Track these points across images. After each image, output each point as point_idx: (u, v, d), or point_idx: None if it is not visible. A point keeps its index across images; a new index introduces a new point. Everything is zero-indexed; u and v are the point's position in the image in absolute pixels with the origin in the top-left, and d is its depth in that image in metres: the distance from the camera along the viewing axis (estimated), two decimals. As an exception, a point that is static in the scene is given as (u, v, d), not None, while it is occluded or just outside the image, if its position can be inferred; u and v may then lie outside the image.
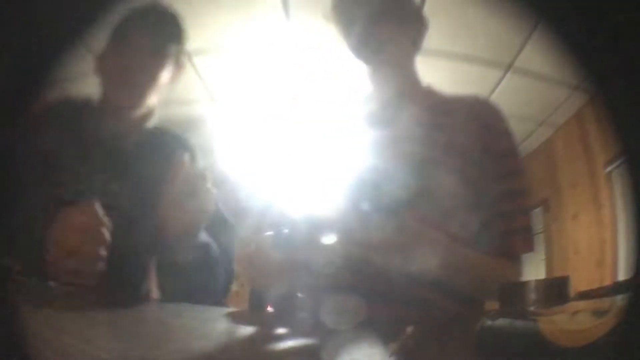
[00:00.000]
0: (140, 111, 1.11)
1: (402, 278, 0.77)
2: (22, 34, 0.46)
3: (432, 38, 2.70)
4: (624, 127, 0.39)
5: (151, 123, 1.12)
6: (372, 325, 0.73)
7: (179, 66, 1.15)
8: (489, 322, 0.36)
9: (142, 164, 1.10)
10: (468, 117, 0.95)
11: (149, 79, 1.09)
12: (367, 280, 0.80)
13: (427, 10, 2.58)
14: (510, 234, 0.91)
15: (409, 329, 0.45)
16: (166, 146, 1.10)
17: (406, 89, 0.99)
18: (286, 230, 0.74)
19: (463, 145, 0.92)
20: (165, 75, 1.12)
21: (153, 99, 1.11)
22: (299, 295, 0.78)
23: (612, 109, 0.40)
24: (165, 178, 1.06)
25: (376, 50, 0.96)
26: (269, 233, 0.76)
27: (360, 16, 0.94)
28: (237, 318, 0.85)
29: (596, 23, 0.39)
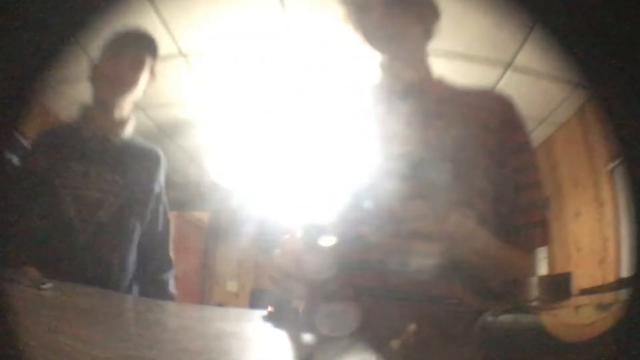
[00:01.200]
0: (123, 110, 1.34)
1: (423, 277, 0.77)
2: (17, 36, 0.45)
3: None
4: (622, 127, 0.39)
5: (130, 126, 1.38)
6: (392, 326, 0.73)
7: (153, 75, 1.38)
8: (492, 318, 0.36)
9: (129, 161, 1.36)
10: (484, 110, 0.94)
11: (130, 80, 1.34)
12: (389, 280, 0.80)
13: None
14: (527, 227, 0.90)
15: (412, 326, 0.45)
16: (144, 156, 1.38)
17: (420, 80, 0.97)
18: (316, 232, 0.74)
19: (479, 137, 0.91)
20: (142, 79, 1.37)
21: (132, 99, 1.37)
22: (323, 297, 0.78)
23: (610, 108, 0.40)
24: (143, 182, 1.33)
25: (393, 39, 0.94)
26: (300, 235, 0.75)
27: (377, 2, 0.92)
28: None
29: (592, 23, 0.39)
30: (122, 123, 1.39)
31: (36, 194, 1.33)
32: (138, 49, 1.39)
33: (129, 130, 1.47)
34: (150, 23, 2.88)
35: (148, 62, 1.40)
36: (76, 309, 0.74)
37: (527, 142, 0.96)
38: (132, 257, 1.47)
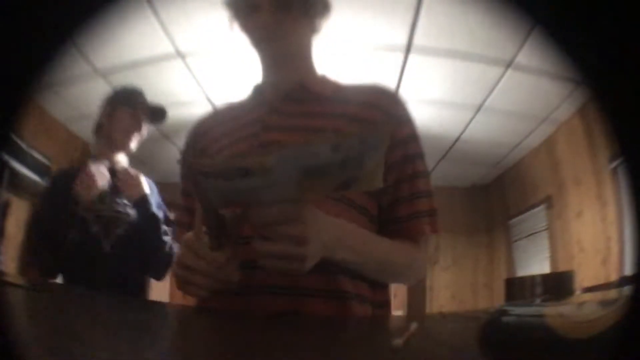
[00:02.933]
0: (129, 148, 1.96)
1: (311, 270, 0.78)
2: (13, 37, 0.46)
3: (433, 36, 2.75)
4: (622, 128, 0.39)
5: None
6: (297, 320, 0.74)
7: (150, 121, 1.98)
8: (495, 316, 0.36)
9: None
10: (369, 106, 0.95)
11: (135, 130, 1.93)
12: (277, 276, 0.81)
13: (425, 6, 2.62)
14: (414, 217, 0.92)
15: (413, 326, 0.45)
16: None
17: (303, 79, 0.98)
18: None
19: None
20: (144, 129, 1.97)
21: (136, 141, 1.96)
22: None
23: (610, 110, 0.40)
24: None
25: (281, 39, 0.93)
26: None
27: (264, 4, 0.90)
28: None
29: (592, 26, 0.40)
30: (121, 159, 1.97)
31: (66, 218, 1.80)
32: (133, 104, 1.94)
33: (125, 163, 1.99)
34: (148, 24, 2.94)
35: (143, 114, 1.95)
36: (77, 310, 0.74)
37: (412, 135, 0.96)
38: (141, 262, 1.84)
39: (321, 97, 0.97)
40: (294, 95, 0.97)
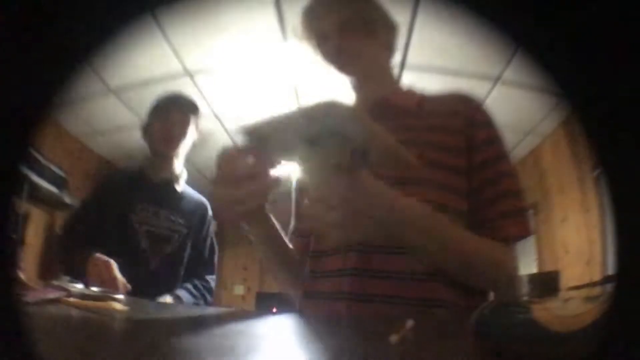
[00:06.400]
0: (179, 162, 1.73)
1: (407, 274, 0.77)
2: (29, 55, 0.46)
3: (425, 54, 2.76)
4: (600, 140, 0.39)
5: (184, 177, 1.76)
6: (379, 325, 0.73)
7: (199, 129, 1.78)
8: (485, 311, 0.36)
9: (187, 206, 1.75)
10: (451, 114, 0.93)
11: (182, 135, 1.70)
12: (366, 284, 0.80)
13: (418, 27, 2.64)
14: (499, 217, 0.85)
15: (410, 322, 0.45)
16: (197, 205, 1.78)
17: (386, 95, 0.98)
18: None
19: (449, 141, 0.90)
20: (190, 134, 1.75)
21: (184, 152, 1.74)
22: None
23: (589, 123, 0.40)
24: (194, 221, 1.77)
25: (351, 61, 0.95)
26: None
27: (329, 30, 0.93)
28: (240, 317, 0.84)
29: (571, 46, 0.40)
30: (179, 174, 1.81)
31: (115, 227, 1.65)
32: (182, 110, 1.76)
33: (184, 181, 1.85)
34: (158, 45, 2.96)
35: (192, 120, 1.77)
36: (85, 312, 0.74)
37: (493, 137, 0.92)
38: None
39: (407, 111, 0.96)
40: (377, 111, 0.95)
